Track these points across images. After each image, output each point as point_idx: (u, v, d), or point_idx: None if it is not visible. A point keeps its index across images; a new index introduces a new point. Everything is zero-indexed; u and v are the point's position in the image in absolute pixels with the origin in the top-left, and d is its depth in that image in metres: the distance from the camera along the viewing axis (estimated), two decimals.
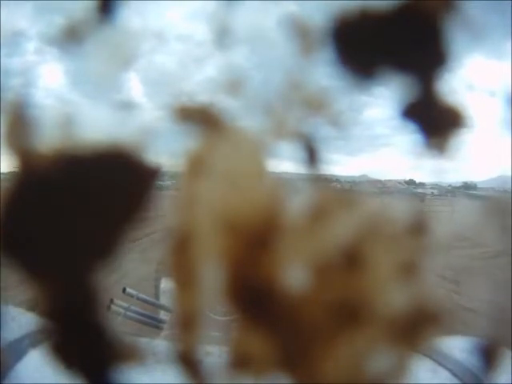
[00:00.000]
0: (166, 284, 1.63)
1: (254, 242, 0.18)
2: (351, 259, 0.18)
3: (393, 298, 0.18)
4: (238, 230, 0.18)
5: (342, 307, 0.18)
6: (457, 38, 0.20)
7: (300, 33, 0.21)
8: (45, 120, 0.19)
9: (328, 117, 0.21)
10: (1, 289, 0.21)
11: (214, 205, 0.19)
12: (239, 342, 0.19)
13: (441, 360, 0.46)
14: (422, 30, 0.20)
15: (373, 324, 0.18)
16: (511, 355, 0.29)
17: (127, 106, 0.21)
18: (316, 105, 0.21)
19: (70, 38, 0.22)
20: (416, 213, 0.19)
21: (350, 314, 0.18)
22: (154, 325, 1.44)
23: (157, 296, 1.77)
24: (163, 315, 1.51)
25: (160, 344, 0.51)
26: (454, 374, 0.45)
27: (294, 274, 0.18)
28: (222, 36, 0.24)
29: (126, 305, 1.34)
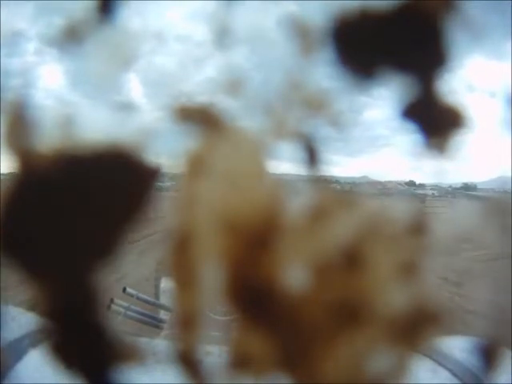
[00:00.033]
0: (166, 284, 1.63)
1: (254, 242, 0.18)
2: (351, 260, 0.18)
3: (393, 298, 0.18)
4: (238, 230, 0.18)
5: (342, 307, 0.18)
6: (457, 39, 0.20)
7: (300, 33, 0.21)
8: (45, 120, 0.19)
9: (328, 117, 0.21)
10: (1, 289, 0.21)
11: (214, 205, 0.19)
12: (239, 341, 0.19)
13: (441, 360, 0.46)
14: (422, 30, 0.20)
15: (373, 324, 0.18)
16: (511, 355, 0.29)
17: (127, 106, 0.21)
18: (316, 105, 0.21)
19: (70, 38, 0.22)
20: (417, 214, 0.19)
21: (349, 314, 0.18)
22: (154, 324, 1.44)
23: (157, 296, 1.77)
24: (163, 315, 1.51)
25: (160, 344, 0.51)
26: (454, 374, 0.45)
27: (293, 274, 0.18)
28: (222, 36, 0.24)
29: (126, 304, 1.34)
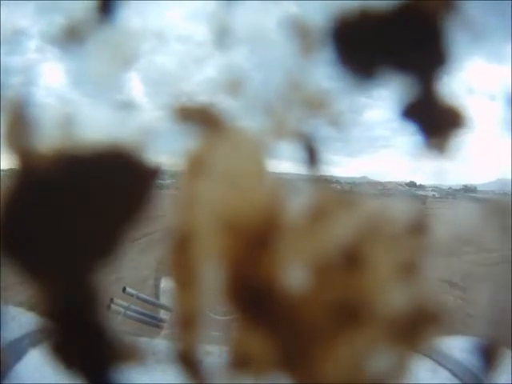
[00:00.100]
0: (166, 283, 1.63)
1: (254, 242, 0.18)
2: (351, 260, 0.18)
3: (393, 298, 0.18)
4: (238, 229, 0.18)
5: (342, 307, 0.18)
6: (457, 40, 0.20)
7: (300, 33, 0.21)
8: (45, 119, 0.19)
9: (328, 117, 0.21)
10: (1, 289, 0.21)
11: (214, 205, 0.19)
12: (239, 341, 0.19)
13: (441, 360, 0.46)
14: (422, 30, 0.20)
15: (373, 324, 0.18)
16: (511, 355, 0.29)
17: (127, 105, 0.21)
18: (316, 105, 0.21)
19: (71, 37, 0.22)
20: (418, 215, 0.19)
21: (350, 314, 0.18)
22: (154, 324, 1.44)
23: (157, 295, 1.77)
24: (163, 314, 1.51)
25: (160, 343, 0.51)
26: (454, 374, 0.45)
27: (293, 274, 0.18)
28: (222, 36, 0.24)
29: (126, 304, 1.34)
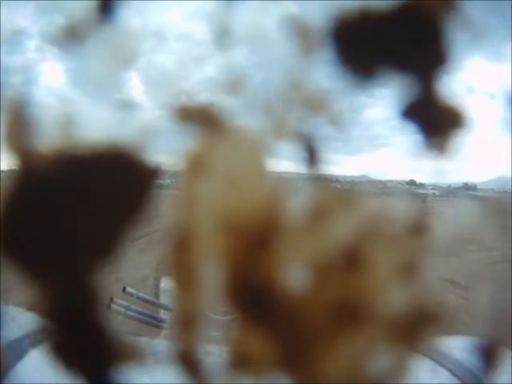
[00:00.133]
0: (166, 283, 1.63)
1: (254, 242, 0.18)
2: (351, 259, 0.18)
3: (393, 298, 0.18)
4: (238, 229, 0.18)
5: (342, 307, 0.18)
6: (457, 40, 0.20)
7: (300, 33, 0.21)
8: (45, 119, 0.19)
9: (328, 117, 0.21)
10: (1, 289, 0.21)
11: (213, 204, 0.19)
12: (239, 341, 0.19)
13: (441, 360, 0.46)
14: (422, 30, 0.20)
15: (373, 324, 0.18)
16: (511, 355, 0.29)
17: (127, 105, 0.21)
18: (316, 105, 0.21)
19: (71, 37, 0.22)
20: (418, 213, 0.19)
21: (350, 314, 0.18)
22: (154, 324, 1.44)
23: (157, 295, 1.77)
24: (163, 314, 1.51)
25: (160, 343, 0.51)
26: (454, 374, 0.45)
27: (294, 274, 0.18)
28: (222, 36, 0.24)
29: (126, 304, 1.34)
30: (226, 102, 0.21)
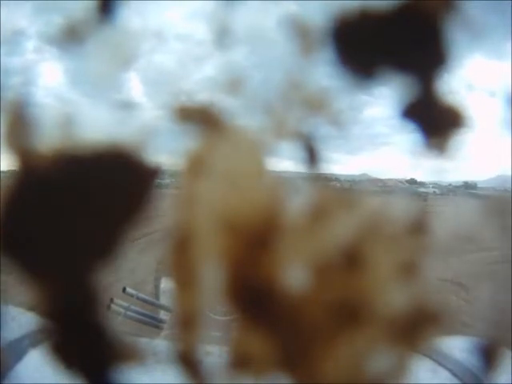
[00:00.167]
0: (166, 284, 1.63)
1: (253, 242, 0.18)
2: (351, 259, 0.18)
3: (393, 298, 0.18)
4: (237, 229, 0.18)
5: (342, 307, 0.18)
6: (457, 38, 0.20)
7: (300, 33, 0.21)
8: (45, 119, 0.19)
9: (328, 116, 0.21)
10: (1, 289, 0.21)
11: (213, 204, 0.19)
12: (239, 341, 0.19)
13: (441, 360, 0.46)
14: (422, 30, 0.20)
15: (373, 324, 0.18)
16: (511, 355, 0.29)
17: (127, 105, 0.21)
18: (316, 104, 0.21)
19: (70, 37, 0.22)
20: (419, 212, 0.19)
21: (350, 314, 0.18)
22: (154, 324, 1.44)
23: (157, 296, 1.77)
24: (163, 315, 1.51)
25: (160, 344, 0.51)
26: (454, 374, 0.45)
27: (293, 274, 0.18)
28: (222, 36, 0.24)
29: (126, 304, 1.34)
30: (225, 102, 0.21)
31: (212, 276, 0.19)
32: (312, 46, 0.21)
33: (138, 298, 1.44)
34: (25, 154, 0.18)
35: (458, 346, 0.48)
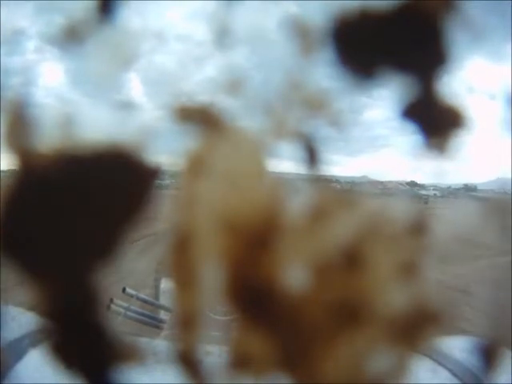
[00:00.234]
0: (166, 284, 1.63)
1: (254, 242, 0.18)
2: (351, 262, 0.18)
3: (393, 298, 0.18)
4: (238, 229, 0.18)
5: (342, 307, 0.18)
6: (457, 40, 0.20)
7: (300, 33, 0.21)
8: (45, 119, 0.19)
9: (328, 117, 0.21)
10: (1, 289, 0.21)
11: (213, 205, 0.19)
12: (239, 341, 0.19)
13: (441, 360, 0.46)
14: (422, 30, 0.20)
15: (373, 324, 0.18)
16: (511, 355, 0.29)
17: (127, 105, 0.21)
18: (316, 105, 0.21)
19: (70, 37, 0.22)
20: (422, 215, 0.19)
21: (350, 314, 0.18)
22: (154, 325, 1.44)
23: (157, 296, 1.77)
24: (163, 315, 1.51)
25: (160, 344, 0.51)
26: (454, 374, 0.45)
27: (293, 274, 0.18)
28: (222, 36, 0.24)
29: (125, 305, 1.34)
30: (226, 103, 0.21)
31: (212, 276, 0.19)
32: (312, 47, 0.21)
33: (137, 299, 1.44)
34: (25, 154, 0.18)
35: (457, 346, 0.48)
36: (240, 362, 0.19)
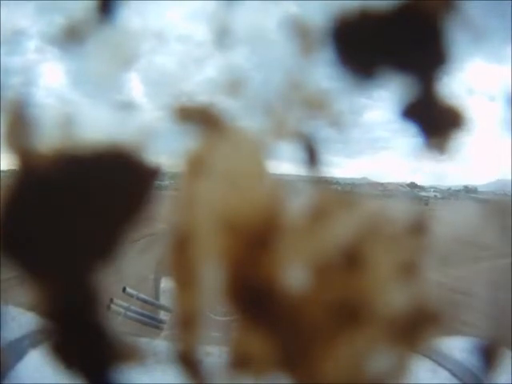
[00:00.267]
0: (166, 284, 1.63)
1: (254, 242, 0.18)
2: (351, 261, 0.18)
3: (393, 299, 0.18)
4: (238, 230, 0.18)
5: (342, 308, 0.18)
6: (457, 40, 0.20)
7: (300, 33, 0.21)
8: (45, 119, 0.19)
9: (328, 118, 0.21)
10: (1, 289, 0.21)
11: (213, 205, 0.19)
12: (239, 342, 0.19)
13: (441, 360, 0.46)
14: (422, 31, 0.20)
15: (373, 324, 0.18)
16: (511, 355, 0.29)
17: (127, 106, 0.21)
18: (316, 106, 0.21)
19: (71, 37, 0.22)
20: (422, 216, 0.19)
21: (350, 314, 0.18)
22: (154, 325, 1.44)
23: (157, 296, 1.77)
24: (163, 315, 1.51)
25: (160, 344, 0.51)
26: (454, 374, 0.45)
27: (293, 275, 0.18)
28: (222, 36, 0.24)
29: (125, 305, 1.34)
30: (226, 103, 0.21)
31: (212, 276, 0.19)
32: (312, 47, 0.21)
33: (137, 298, 1.44)
34: (25, 154, 0.18)
35: (458, 346, 0.48)
36: (240, 362, 0.19)
